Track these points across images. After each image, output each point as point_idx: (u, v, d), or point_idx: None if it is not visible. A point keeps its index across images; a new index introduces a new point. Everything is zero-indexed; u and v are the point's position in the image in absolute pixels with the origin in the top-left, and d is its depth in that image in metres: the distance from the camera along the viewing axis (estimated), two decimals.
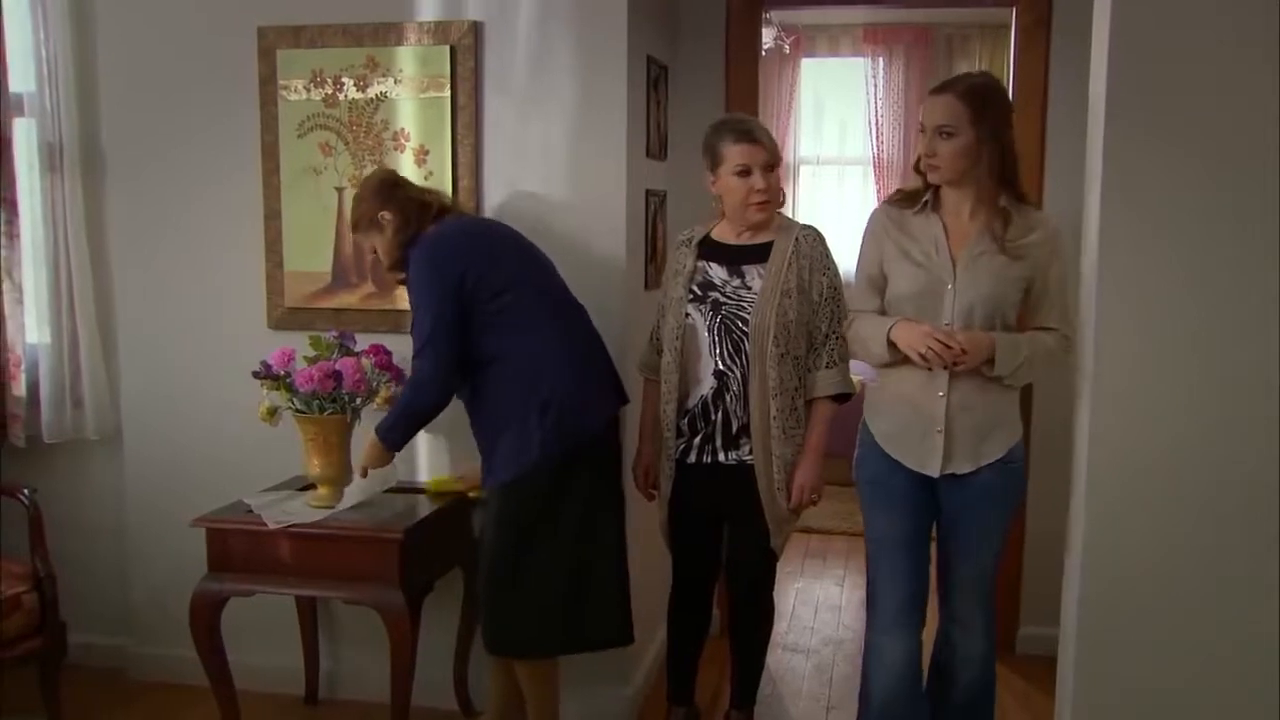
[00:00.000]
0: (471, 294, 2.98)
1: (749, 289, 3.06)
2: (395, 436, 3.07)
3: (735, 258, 3.11)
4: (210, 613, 3.15)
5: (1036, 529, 4.05)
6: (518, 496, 3.00)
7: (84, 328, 3.77)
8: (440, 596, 3.39)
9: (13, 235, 3.67)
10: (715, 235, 3.17)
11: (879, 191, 8.82)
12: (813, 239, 3.11)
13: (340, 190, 3.56)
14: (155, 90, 3.68)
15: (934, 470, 2.80)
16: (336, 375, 3.15)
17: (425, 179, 3.47)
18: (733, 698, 3.37)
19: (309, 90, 3.55)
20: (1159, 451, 2.58)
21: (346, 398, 3.19)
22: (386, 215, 3.10)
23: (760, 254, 3.08)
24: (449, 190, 3.46)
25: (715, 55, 4.15)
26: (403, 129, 3.51)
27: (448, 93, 3.46)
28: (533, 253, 3.18)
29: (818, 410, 3.10)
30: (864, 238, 2.94)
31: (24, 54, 3.68)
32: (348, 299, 3.61)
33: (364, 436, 3.17)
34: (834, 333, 3.08)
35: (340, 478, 3.24)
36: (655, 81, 3.77)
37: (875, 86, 8.70)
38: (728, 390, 3.06)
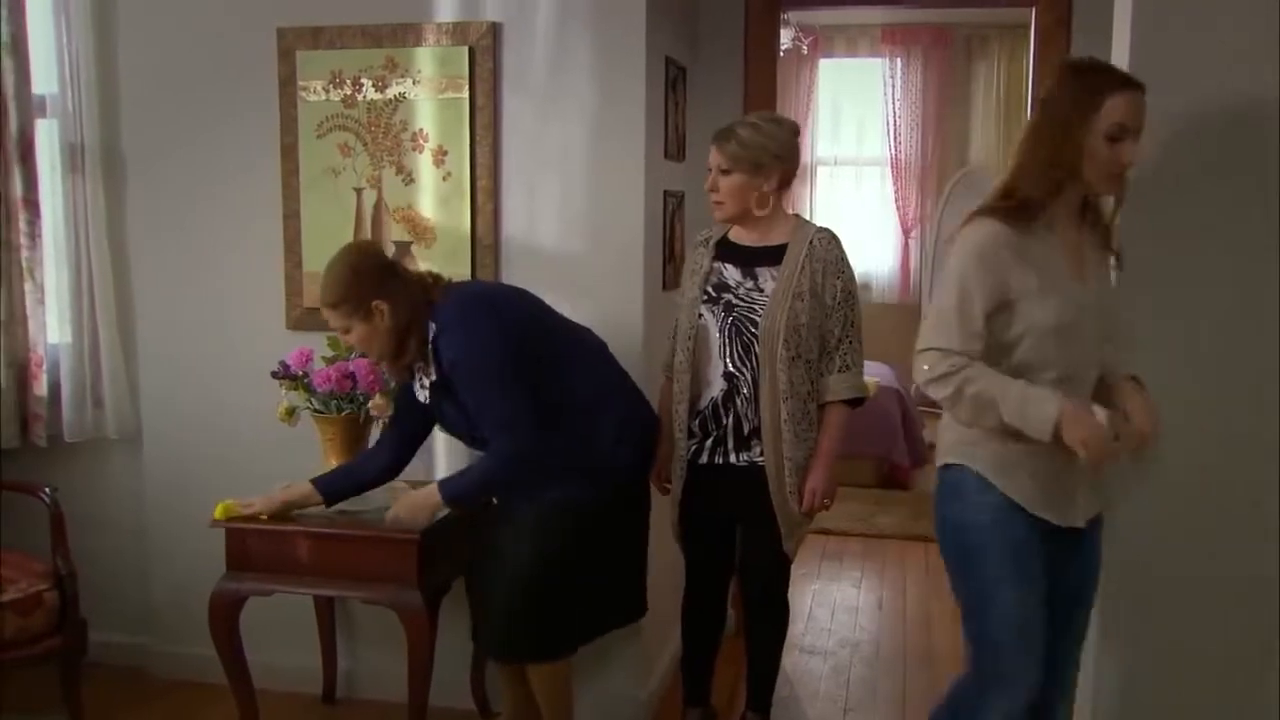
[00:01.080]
0: (528, 343, 2.91)
1: (761, 291, 3.04)
2: (463, 503, 2.99)
3: (749, 259, 3.09)
4: (229, 612, 3.16)
5: None
6: (588, 515, 2.97)
7: (104, 328, 3.79)
8: (458, 597, 3.39)
9: (35, 235, 3.69)
10: (732, 236, 3.16)
11: (896, 192, 8.80)
12: (827, 241, 3.07)
13: (359, 191, 3.57)
14: (175, 92, 3.70)
15: (1079, 520, 2.46)
16: (351, 376, 3.16)
17: (444, 180, 3.49)
18: (748, 700, 3.36)
19: (328, 91, 3.56)
20: (1181, 449, 2.57)
21: (361, 398, 3.20)
22: (383, 306, 2.84)
23: (775, 256, 3.06)
24: (468, 191, 3.47)
25: (734, 56, 4.15)
26: (421, 129, 3.51)
27: (466, 93, 3.46)
28: (539, 300, 3.13)
29: (830, 415, 3.08)
30: (966, 263, 2.37)
31: (47, 56, 3.70)
32: None
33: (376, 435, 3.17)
34: (847, 337, 3.07)
35: None
36: (674, 82, 3.77)
37: (893, 87, 8.69)
38: (738, 393, 3.05)
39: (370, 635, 3.70)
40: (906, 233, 8.82)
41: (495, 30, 3.44)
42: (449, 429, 3.05)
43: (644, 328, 3.47)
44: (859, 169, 9.02)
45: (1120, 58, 2.58)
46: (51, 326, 3.80)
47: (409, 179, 3.55)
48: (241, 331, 3.73)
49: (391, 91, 3.52)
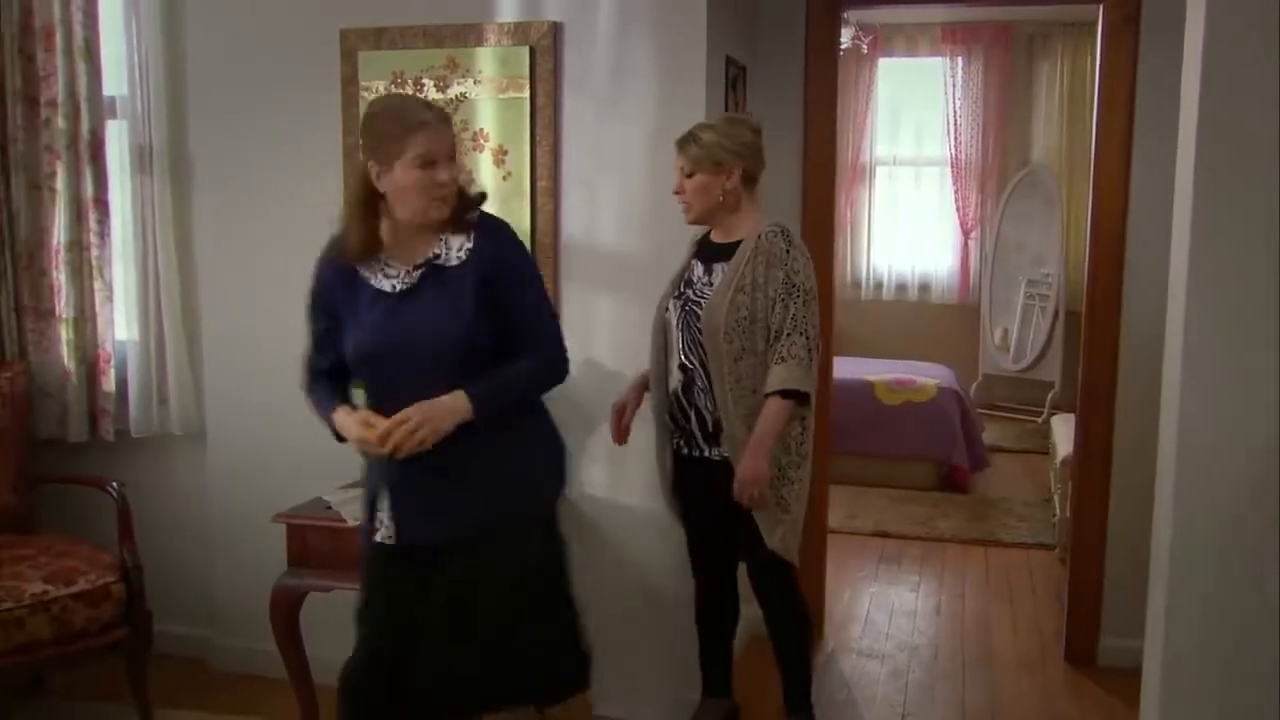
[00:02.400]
0: None
1: (711, 285, 3.08)
2: (488, 412, 2.51)
3: (712, 255, 3.14)
4: (289, 607, 3.20)
5: (1118, 536, 3.96)
6: (558, 510, 2.77)
7: (170, 326, 3.85)
8: None
9: (104, 235, 3.76)
10: (712, 234, 3.19)
11: (956, 193, 8.71)
12: (773, 235, 3.05)
13: None
14: (240, 93, 3.74)
15: None
16: None
17: (504, 179, 3.50)
18: (785, 703, 3.34)
19: (389, 91, 3.59)
20: (1247, 458, 2.51)
21: None
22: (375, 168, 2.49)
23: (732, 251, 3.09)
24: (527, 191, 3.48)
25: (794, 55, 4.12)
26: (482, 129, 3.53)
27: (527, 93, 3.47)
28: None
29: (765, 406, 2.97)
30: None
31: (117, 59, 3.78)
32: None
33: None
34: (788, 329, 2.97)
35: None
36: (734, 81, 3.75)
37: (954, 86, 8.60)
38: (694, 384, 3.08)
39: None
40: (966, 233, 8.72)
41: (556, 30, 3.45)
42: (383, 345, 2.54)
43: None
44: (918, 169, 8.94)
45: (1192, 56, 2.52)
46: (119, 324, 3.87)
47: (469, 178, 3.56)
48: (303, 331, 3.75)
49: (452, 91, 3.54)
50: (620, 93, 3.45)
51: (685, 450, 3.18)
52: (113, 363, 3.83)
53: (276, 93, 3.73)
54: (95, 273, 3.75)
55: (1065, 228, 8.16)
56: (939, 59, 8.61)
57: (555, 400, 3.46)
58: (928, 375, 7.04)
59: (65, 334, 3.79)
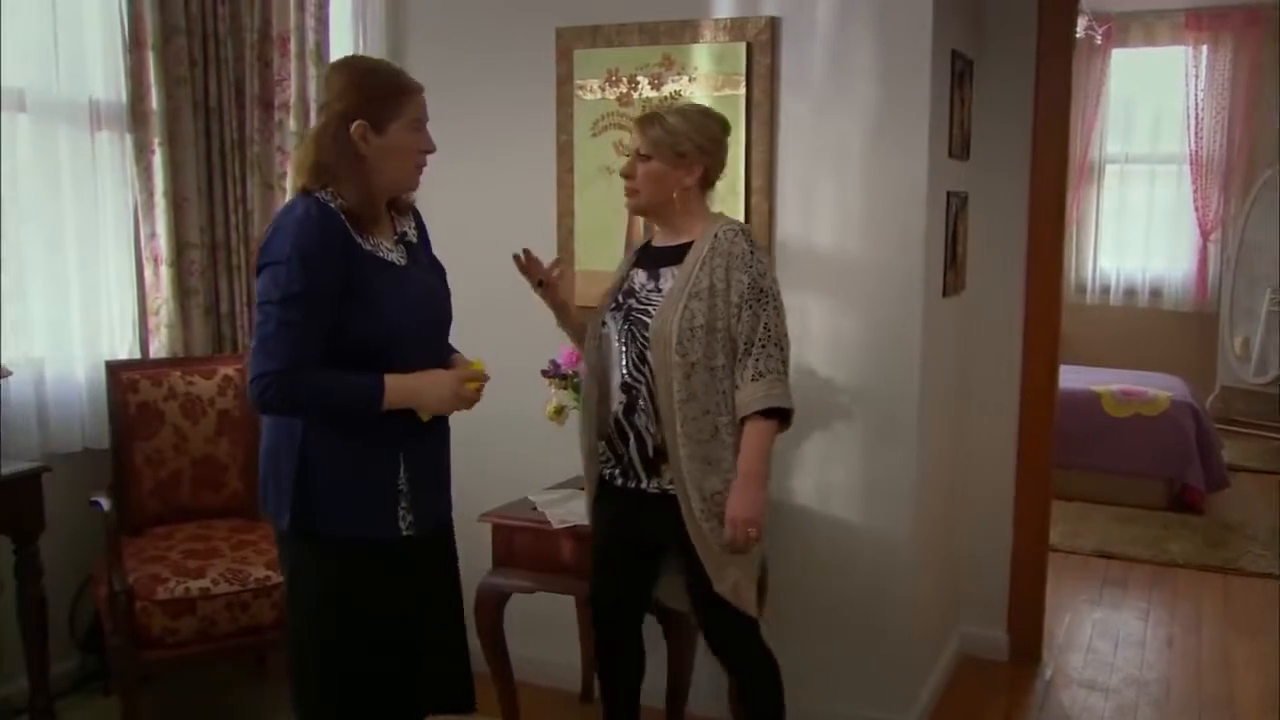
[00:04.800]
0: None
1: (659, 291, 2.74)
2: None
3: (656, 260, 2.80)
4: (494, 607, 3.21)
5: None
6: None
7: None
8: None
9: None
10: (654, 240, 2.86)
11: (1195, 192, 8.16)
12: (733, 235, 2.70)
13: None
14: (458, 93, 3.78)
15: None
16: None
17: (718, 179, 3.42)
18: None
19: (604, 90, 3.56)
20: None
21: None
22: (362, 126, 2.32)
23: (681, 254, 2.74)
24: (742, 191, 3.39)
25: (1025, 47, 3.87)
26: None
27: (743, 90, 3.38)
28: None
29: (748, 430, 2.66)
30: None
31: None
32: None
33: None
34: (760, 339, 2.66)
35: None
36: (960, 76, 3.56)
37: (1196, 78, 8.05)
38: (636, 406, 2.73)
39: None
40: (1205, 235, 8.15)
41: (774, 25, 3.34)
42: (414, 318, 2.39)
43: (921, 336, 3.30)
44: (1152, 167, 8.41)
45: None
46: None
47: None
48: (513, 330, 3.78)
49: (667, 89, 3.48)
50: (839, 90, 3.31)
51: (619, 481, 2.81)
52: None
53: (492, 92, 3.76)
54: None
55: None
56: (1180, 48, 8.08)
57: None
58: (1159, 386, 6.60)
59: None
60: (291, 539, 2.36)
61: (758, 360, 2.65)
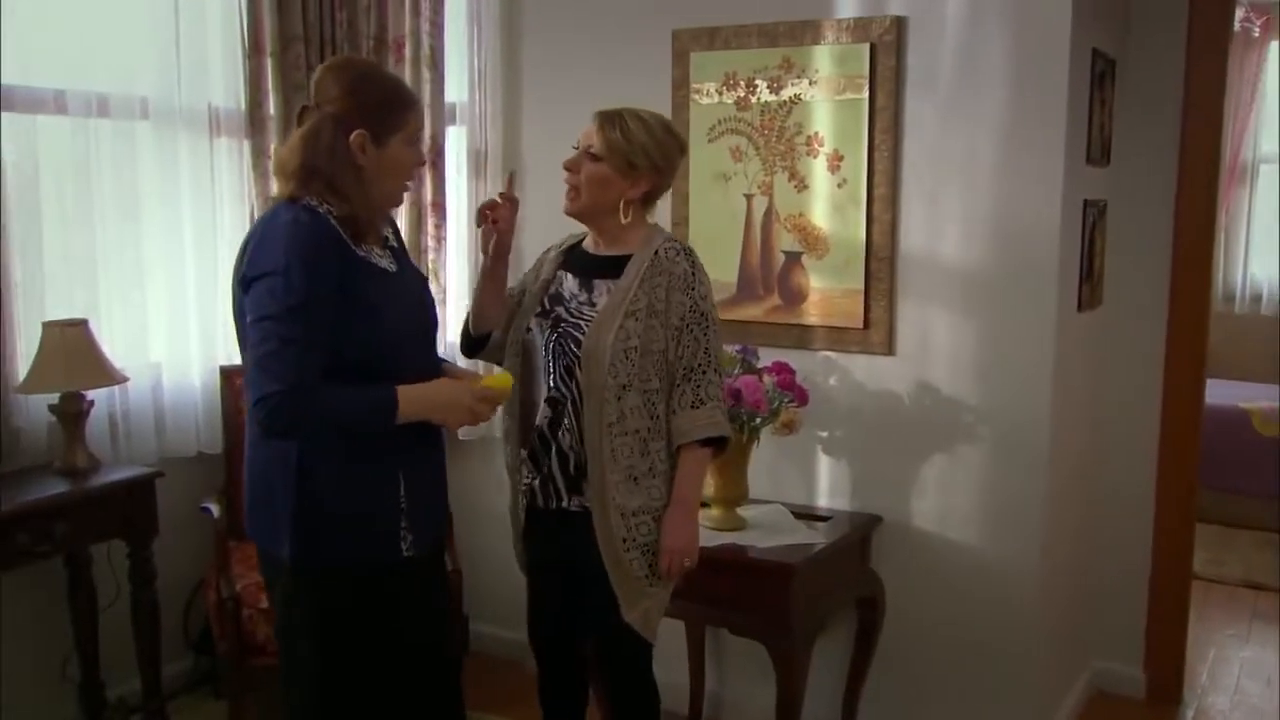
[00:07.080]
0: None
1: (593, 306, 2.57)
2: None
3: (589, 269, 2.63)
4: None
5: None
6: None
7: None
8: (834, 631, 3.19)
9: (440, 239, 3.85)
10: (585, 244, 2.70)
11: None
12: (675, 253, 2.56)
13: (749, 197, 3.44)
14: (572, 97, 3.70)
15: None
16: (735, 393, 3.01)
17: (838, 187, 3.30)
18: None
19: (721, 93, 3.45)
20: None
21: (745, 416, 3.05)
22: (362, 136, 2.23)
23: (617, 267, 2.58)
24: (864, 200, 3.24)
25: (1173, 43, 3.61)
26: (816, 133, 3.32)
27: (866, 94, 3.23)
28: None
29: (686, 459, 2.54)
30: None
31: (458, 66, 3.86)
32: (752, 311, 3.48)
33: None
34: (700, 365, 2.53)
35: (737, 499, 3.12)
36: (1100, 77, 3.34)
37: None
38: (561, 422, 2.57)
39: (739, 661, 3.57)
40: None
41: (900, 25, 3.19)
42: (414, 325, 2.35)
43: (1055, 351, 3.13)
44: None
45: None
46: (450, 327, 3.94)
47: (802, 185, 3.36)
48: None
49: (786, 93, 3.35)
50: (968, 92, 3.14)
51: (540, 502, 2.65)
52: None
53: (607, 96, 3.65)
54: (432, 275, 3.84)
55: None
56: None
57: (884, 428, 3.25)
58: None
59: None
60: (290, 569, 2.24)
61: (698, 386, 2.54)
